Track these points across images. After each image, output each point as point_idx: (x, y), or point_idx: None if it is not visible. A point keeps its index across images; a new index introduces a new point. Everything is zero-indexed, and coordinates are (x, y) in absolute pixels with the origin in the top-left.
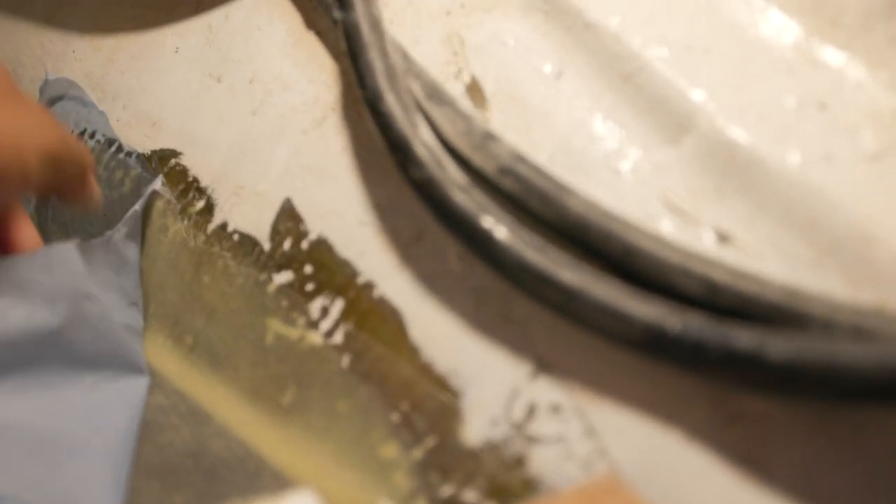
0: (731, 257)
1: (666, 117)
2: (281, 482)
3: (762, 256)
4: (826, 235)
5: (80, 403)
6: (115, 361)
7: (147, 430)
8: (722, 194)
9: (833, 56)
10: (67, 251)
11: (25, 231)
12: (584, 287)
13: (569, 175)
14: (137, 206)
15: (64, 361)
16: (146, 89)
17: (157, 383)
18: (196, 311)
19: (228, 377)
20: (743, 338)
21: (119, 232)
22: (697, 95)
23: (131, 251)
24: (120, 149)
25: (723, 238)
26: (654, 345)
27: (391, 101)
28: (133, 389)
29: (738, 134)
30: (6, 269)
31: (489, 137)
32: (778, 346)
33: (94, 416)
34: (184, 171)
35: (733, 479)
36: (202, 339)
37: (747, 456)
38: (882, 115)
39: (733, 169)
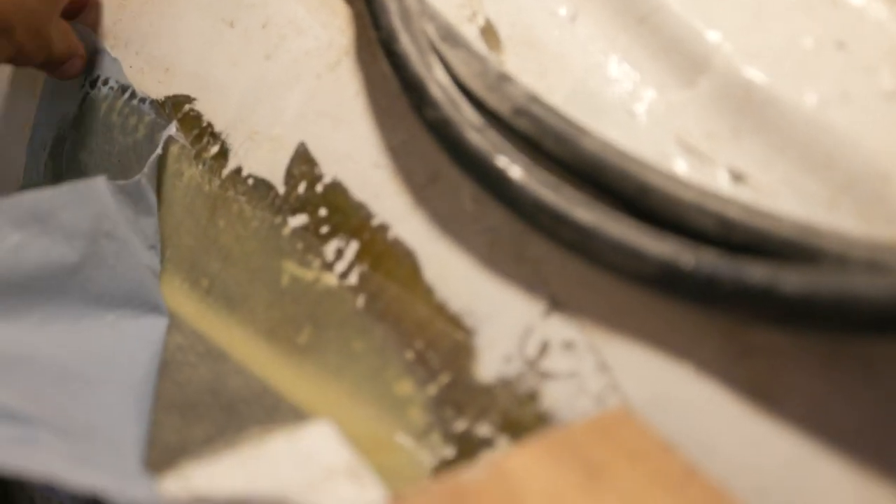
0: (746, 197)
1: (681, 58)
2: (298, 416)
3: (777, 196)
4: (841, 174)
5: (102, 340)
6: (135, 301)
7: (166, 368)
8: (737, 135)
9: None
10: (97, 186)
11: None
12: (599, 225)
13: (584, 117)
14: (159, 150)
15: (84, 298)
16: (159, 35)
17: (175, 324)
18: (212, 254)
19: (245, 318)
20: (756, 272)
21: (144, 176)
22: (713, 36)
23: (150, 195)
24: (133, 95)
25: (737, 178)
26: (667, 281)
27: (406, 42)
28: (153, 328)
29: (755, 74)
30: (30, 201)
31: (504, 79)
32: (791, 279)
33: (116, 353)
34: (198, 117)
35: (744, 411)
36: (218, 282)
37: (758, 389)
38: None
39: (749, 109)
